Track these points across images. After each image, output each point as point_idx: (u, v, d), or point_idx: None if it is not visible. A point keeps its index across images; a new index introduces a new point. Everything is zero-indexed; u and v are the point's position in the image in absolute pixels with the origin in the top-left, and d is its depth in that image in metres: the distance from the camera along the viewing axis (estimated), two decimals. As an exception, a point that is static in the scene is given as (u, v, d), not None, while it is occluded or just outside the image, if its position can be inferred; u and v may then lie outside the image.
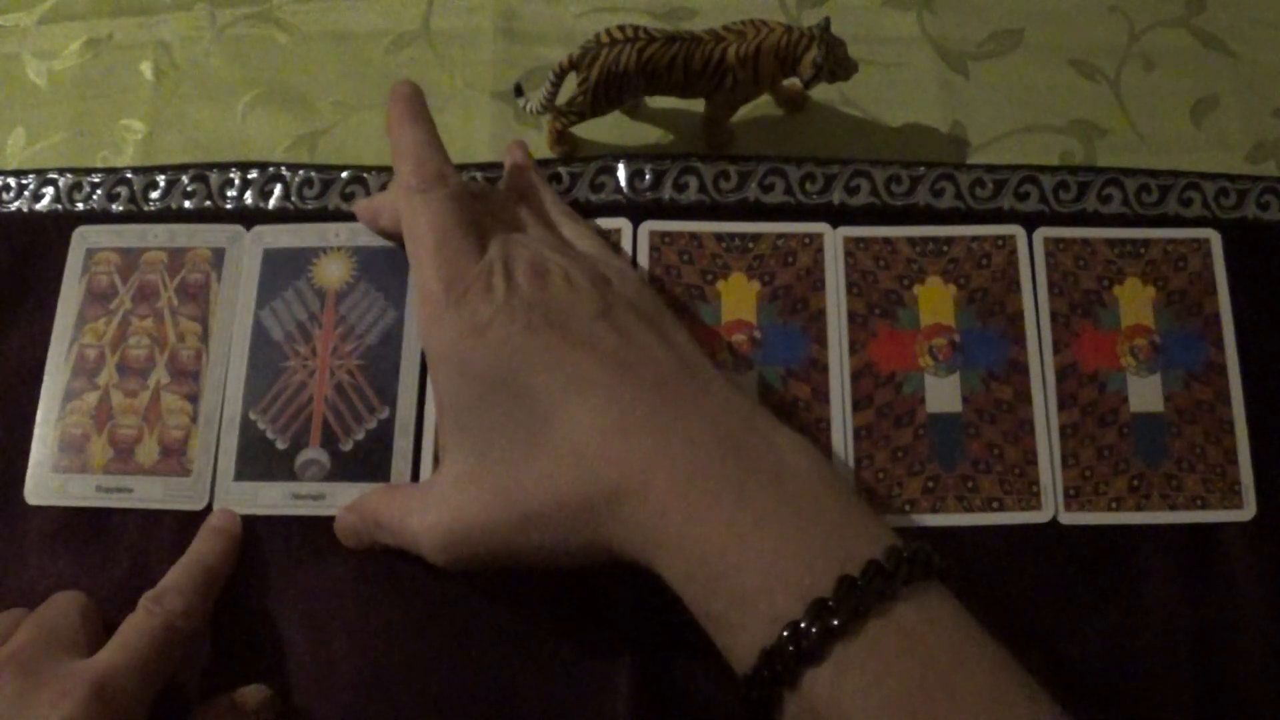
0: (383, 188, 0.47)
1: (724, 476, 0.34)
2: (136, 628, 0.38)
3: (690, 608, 0.34)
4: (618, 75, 0.43)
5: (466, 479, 0.37)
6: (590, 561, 0.36)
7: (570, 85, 0.45)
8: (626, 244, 0.46)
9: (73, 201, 0.48)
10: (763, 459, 0.34)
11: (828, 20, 0.43)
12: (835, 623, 0.30)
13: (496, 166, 0.47)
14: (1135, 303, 0.45)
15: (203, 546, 0.41)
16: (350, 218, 0.46)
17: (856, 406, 0.43)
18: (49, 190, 0.48)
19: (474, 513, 0.37)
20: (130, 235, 0.47)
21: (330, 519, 0.42)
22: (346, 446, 0.43)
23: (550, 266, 0.38)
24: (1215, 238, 0.46)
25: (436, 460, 0.42)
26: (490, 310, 0.36)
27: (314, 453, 0.43)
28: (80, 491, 0.43)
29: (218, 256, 0.46)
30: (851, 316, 0.45)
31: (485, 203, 0.42)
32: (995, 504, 0.42)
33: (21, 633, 0.38)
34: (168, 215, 0.47)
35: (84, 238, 0.47)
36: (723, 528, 0.33)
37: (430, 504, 0.38)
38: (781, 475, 0.34)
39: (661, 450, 0.34)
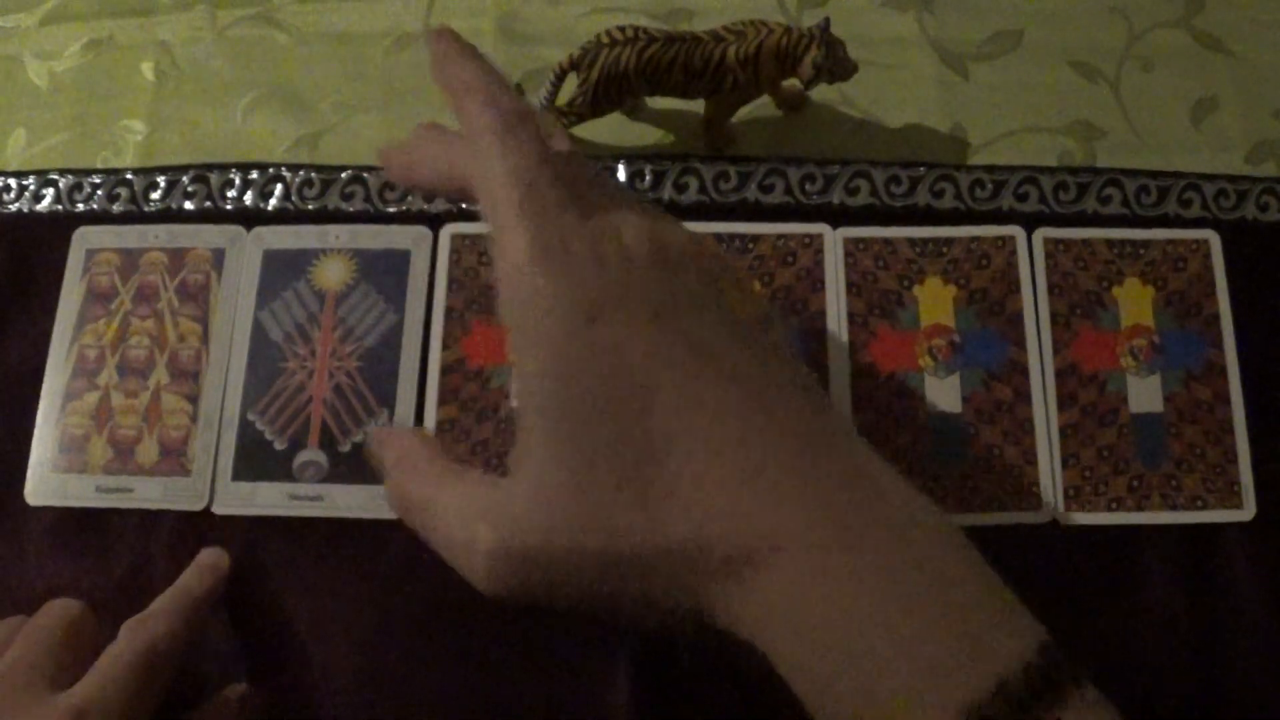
0: (385, 188, 0.47)
1: (869, 553, 0.28)
2: (116, 655, 0.37)
3: (802, 698, 0.28)
4: (618, 76, 0.43)
5: (557, 497, 0.29)
6: (668, 628, 0.30)
7: (570, 86, 0.45)
8: (626, 244, 0.46)
9: (73, 202, 0.48)
10: (905, 530, 0.28)
11: (827, 21, 0.43)
12: None
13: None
14: (1135, 303, 0.45)
15: (190, 579, 0.40)
16: (351, 219, 0.47)
17: (856, 407, 0.43)
18: (49, 191, 0.48)
19: (560, 540, 0.29)
20: (130, 236, 0.47)
21: (328, 521, 0.42)
22: (345, 448, 0.43)
23: (674, 240, 0.31)
24: (1215, 238, 0.46)
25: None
26: (599, 287, 0.29)
27: (312, 454, 0.43)
28: (80, 492, 0.43)
29: (218, 257, 0.46)
30: (851, 317, 0.45)
31: (570, 157, 0.33)
32: (995, 504, 0.42)
33: (4, 661, 0.37)
34: (168, 216, 0.47)
35: (84, 238, 0.47)
36: (866, 617, 0.27)
37: (501, 517, 0.30)
38: (928, 554, 0.28)
39: (799, 513, 0.28)
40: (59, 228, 0.47)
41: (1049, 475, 0.43)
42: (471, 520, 0.30)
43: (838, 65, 0.44)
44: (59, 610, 0.40)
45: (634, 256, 0.30)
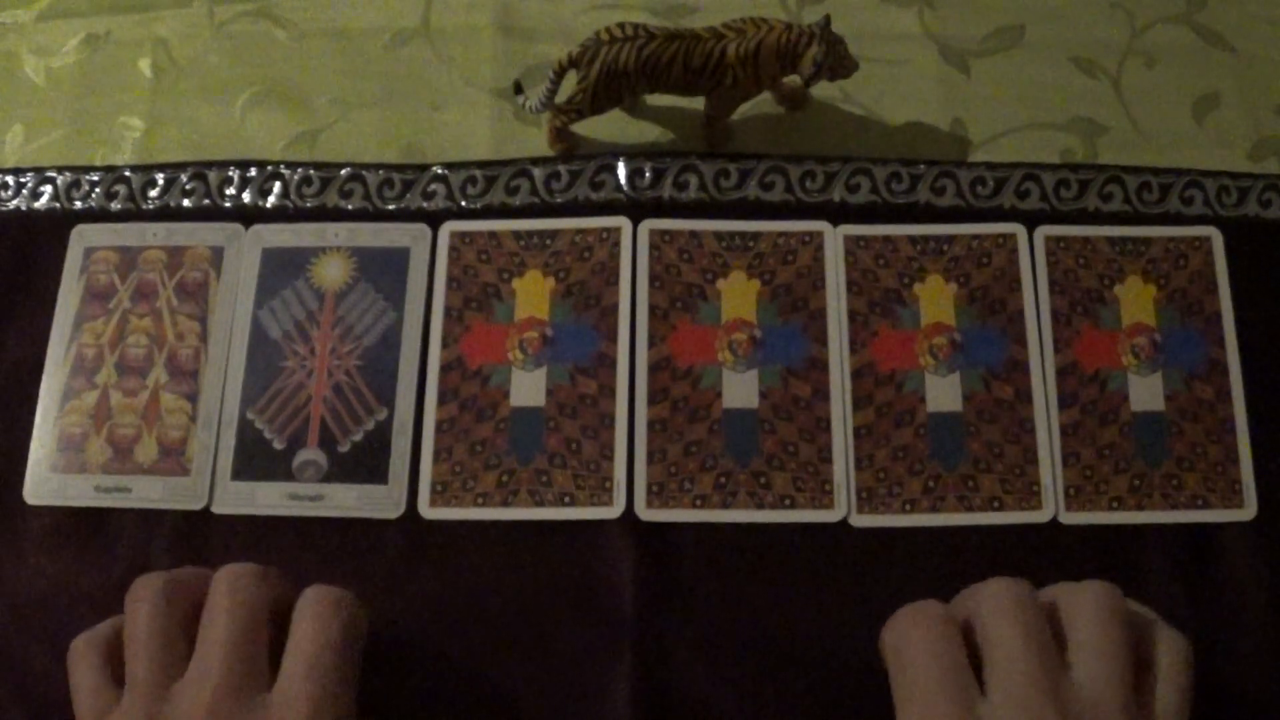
0: (383, 185, 0.47)
1: None
2: (319, 649, 0.34)
3: None
4: (617, 73, 0.43)
5: None
6: None
7: (570, 83, 0.44)
8: (626, 242, 0.46)
9: (71, 200, 0.48)
10: None
11: (828, 18, 0.43)
12: None
13: (496, 165, 0.47)
14: (1136, 301, 0.45)
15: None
16: (350, 217, 0.46)
17: (857, 406, 0.43)
18: (47, 189, 0.48)
19: None
20: (129, 234, 0.47)
21: (327, 520, 0.42)
22: (344, 447, 0.43)
23: None
24: (1216, 236, 0.46)
25: (436, 459, 0.42)
26: None
27: (311, 453, 0.43)
28: (79, 491, 0.43)
29: (216, 255, 0.46)
30: (852, 315, 0.45)
31: None
32: (995, 504, 0.42)
33: (209, 656, 0.34)
34: (166, 214, 0.47)
35: (82, 236, 0.47)
36: None
37: None
38: None
39: None
40: (57, 226, 0.47)
41: (1049, 474, 0.43)
42: None
43: (838, 62, 0.44)
44: (246, 586, 0.35)
45: None
